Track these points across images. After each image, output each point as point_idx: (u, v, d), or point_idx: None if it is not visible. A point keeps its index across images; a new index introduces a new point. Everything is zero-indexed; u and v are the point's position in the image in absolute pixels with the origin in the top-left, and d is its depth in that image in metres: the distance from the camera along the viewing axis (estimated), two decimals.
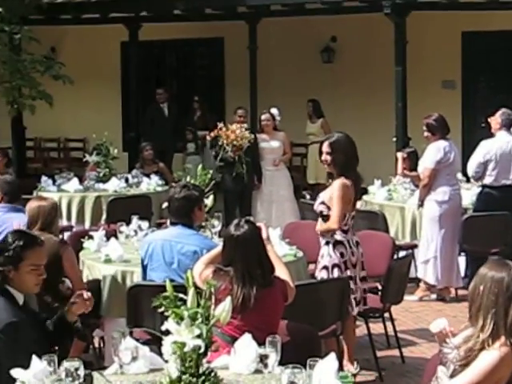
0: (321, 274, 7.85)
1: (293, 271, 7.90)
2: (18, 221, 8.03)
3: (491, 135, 11.02)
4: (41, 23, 16.76)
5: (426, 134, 10.47)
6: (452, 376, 4.97)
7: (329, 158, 7.73)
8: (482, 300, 4.88)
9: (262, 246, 5.91)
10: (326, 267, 7.72)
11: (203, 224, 7.78)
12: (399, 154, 9.91)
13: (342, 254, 7.64)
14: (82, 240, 8.51)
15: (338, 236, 7.68)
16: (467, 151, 12.26)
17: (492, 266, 5.03)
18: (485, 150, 10.24)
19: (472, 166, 10.38)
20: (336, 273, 7.71)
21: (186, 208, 7.44)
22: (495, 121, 10.50)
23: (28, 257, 5.17)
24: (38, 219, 7.61)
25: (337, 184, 7.70)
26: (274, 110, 13.38)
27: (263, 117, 13.35)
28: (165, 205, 7.91)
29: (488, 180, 10.33)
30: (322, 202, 7.70)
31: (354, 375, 5.43)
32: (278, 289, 5.76)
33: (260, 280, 5.56)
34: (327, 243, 7.77)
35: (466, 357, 4.90)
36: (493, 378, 4.76)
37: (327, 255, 7.80)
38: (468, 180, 11.68)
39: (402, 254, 9.61)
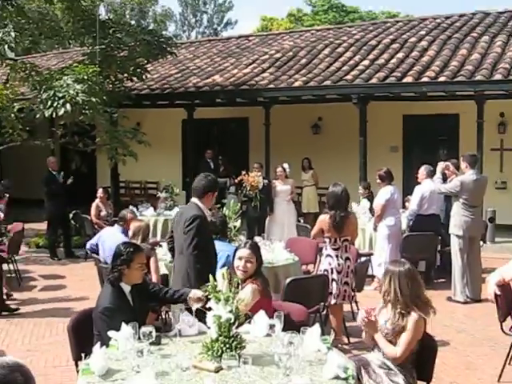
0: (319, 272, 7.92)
1: (291, 269, 8.30)
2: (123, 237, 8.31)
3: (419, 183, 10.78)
4: (130, 107, 16.84)
5: (378, 181, 10.51)
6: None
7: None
8: (390, 286, 5.11)
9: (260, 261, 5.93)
10: (325, 270, 7.67)
11: (234, 238, 7.67)
12: None
13: (329, 263, 7.49)
14: (155, 247, 8.36)
15: (330, 252, 7.69)
16: (406, 193, 12.25)
17: (394, 263, 5.33)
18: (420, 192, 10.31)
19: (415, 203, 10.58)
20: (324, 273, 7.67)
21: (222, 227, 7.68)
22: (421, 173, 10.69)
23: (136, 258, 5.32)
24: (139, 233, 7.94)
25: (319, 218, 8.04)
26: (286, 165, 13.59)
27: (278, 169, 13.54)
28: None
29: (421, 211, 10.26)
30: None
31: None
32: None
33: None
34: (324, 255, 7.80)
35: (393, 328, 5.08)
36: (419, 333, 5.02)
37: (322, 263, 7.91)
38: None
39: (363, 259, 9.49)
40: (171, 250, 6.99)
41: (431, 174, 11.10)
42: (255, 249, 5.83)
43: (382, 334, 5.08)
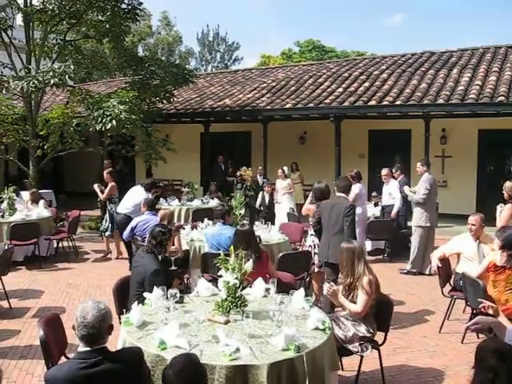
0: (305, 248, 7.96)
1: (283, 246, 8.33)
2: (156, 218, 8.25)
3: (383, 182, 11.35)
4: (161, 123, 16.91)
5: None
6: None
7: (311, 194, 7.74)
8: (347, 258, 5.14)
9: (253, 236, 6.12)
10: (309, 246, 7.64)
11: (239, 222, 7.67)
12: None
13: (313, 241, 7.60)
14: (179, 229, 8.41)
15: (313, 232, 7.56)
16: (371, 189, 12.45)
17: (347, 242, 5.37)
18: (396, 188, 10.95)
19: (398, 194, 10.94)
20: (309, 248, 7.66)
21: (222, 214, 7.60)
22: (385, 173, 11.23)
23: (171, 234, 5.91)
24: (165, 218, 8.00)
25: (307, 206, 7.99)
26: (285, 168, 13.79)
27: (279, 171, 13.83)
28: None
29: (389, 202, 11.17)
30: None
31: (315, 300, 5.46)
32: (264, 259, 5.88)
33: (255, 255, 5.67)
34: (309, 235, 7.74)
35: (348, 289, 5.13)
36: (372, 291, 5.00)
37: (307, 240, 7.93)
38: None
39: None
40: (318, 231, 7.23)
41: (391, 174, 11.19)
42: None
43: (343, 297, 5.13)
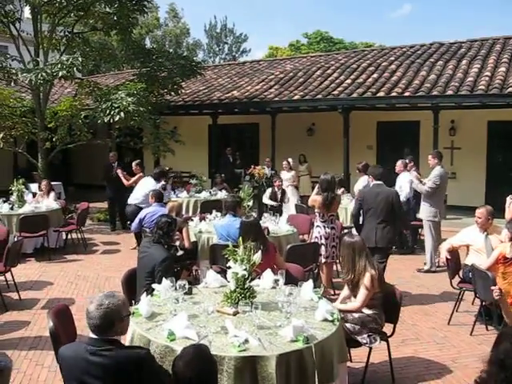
0: (312, 240, 7.81)
1: (291, 238, 8.43)
2: (164, 210, 8.32)
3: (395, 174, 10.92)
4: (169, 114, 16.94)
5: (357, 171, 10.31)
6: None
7: (317, 185, 7.78)
8: (347, 255, 5.12)
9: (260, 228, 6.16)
10: (316, 237, 7.66)
11: (247, 214, 7.65)
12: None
13: (319, 232, 7.59)
14: (188, 221, 8.41)
15: (319, 223, 7.68)
16: None
17: (348, 236, 5.35)
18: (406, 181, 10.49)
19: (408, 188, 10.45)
20: (315, 240, 7.67)
21: (233, 206, 7.45)
22: (399, 166, 10.72)
23: (177, 225, 6.11)
24: (173, 210, 8.14)
25: (313, 197, 7.82)
26: (290, 159, 13.90)
27: (284, 162, 13.91)
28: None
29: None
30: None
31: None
32: (271, 251, 5.88)
33: (263, 246, 5.65)
34: (315, 226, 7.78)
35: (351, 285, 5.12)
36: (373, 288, 4.95)
37: (313, 232, 7.90)
38: None
39: (345, 230, 9.40)
40: (356, 218, 7.68)
41: (405, 166, 10.87)
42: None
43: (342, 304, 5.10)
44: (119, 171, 12.44)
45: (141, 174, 11.99)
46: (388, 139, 16.62)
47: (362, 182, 10.54)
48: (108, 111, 12.84)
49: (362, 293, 4.93)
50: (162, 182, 11.14)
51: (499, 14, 72.71)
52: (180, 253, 6.45)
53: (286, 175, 13.74)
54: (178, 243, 7.22)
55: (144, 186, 10.68)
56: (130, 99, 12.84)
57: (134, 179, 12.03)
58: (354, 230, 9.51)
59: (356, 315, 4.98)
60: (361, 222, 7.74)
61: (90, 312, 3.28)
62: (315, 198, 7.80)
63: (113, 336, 3.30)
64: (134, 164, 12.41)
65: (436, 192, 9.39)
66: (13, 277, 7.90)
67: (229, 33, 46.14)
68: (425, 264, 9.56)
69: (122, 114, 12.69)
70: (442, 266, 8.31)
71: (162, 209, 8.56)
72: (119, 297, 3.42)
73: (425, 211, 9.56)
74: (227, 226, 7.32)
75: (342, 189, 11.90)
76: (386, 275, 5.47)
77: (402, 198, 10.53)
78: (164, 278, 4.71)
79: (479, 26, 69.14)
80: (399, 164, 10.87)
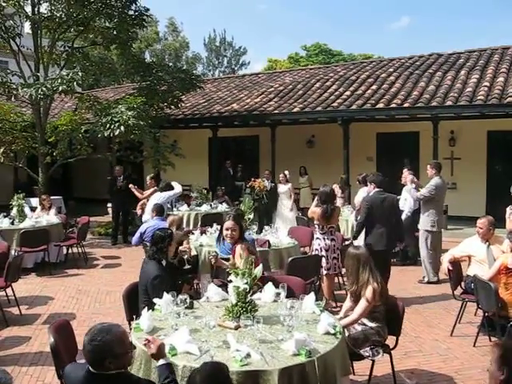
0: (313, 252, 7.90)
1: (292, 251, 8.25)
2: (164, 223, 8.25)
3: (400, 185, 10.57)
4: (169, 128, 17.01)
5: (357, 183, 10.41)
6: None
7: (317, 197, 7.81)
8: (352, 266, 5.09)
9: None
10: (316, 249, 7.77)
11: (248, 227, 7.64)
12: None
13: (319, 244, 7.71)
14: (188, 234, 8.36)
15: (318, 235, 7.80)
16: None
17: (353, 248, 5.31)
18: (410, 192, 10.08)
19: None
20: (316, 252, 7.76)
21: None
22: (405, 177, 10.20)
23: (172, 239, 5.75)
24: (174, 224, 7.96)
25: (312, 209, 7.94)
26: (286, 172, 13.68)
27: (281, 175, 13.84)
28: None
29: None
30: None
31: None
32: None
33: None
34: (314, 238, 7.88)
35: (354, 297, 5.07)
36: (374, 301, 4.90)
37: (313, 244, 8.02)
38: None
39: (346, 242, 9.32)
40: (362, 225, 7.82)
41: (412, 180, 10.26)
42: (237, 219, 5.97)
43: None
44: (131, 185, 12.34)
45: (155, 187, 11.84)
46: (388, 150, 16.63)
47: (362, 193, 10.48)
48: (108, 125, 12.88)
49: (362, 305, 4.89)
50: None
51: (498, 21, 73.13)
52: (187, 266, 6.41)
53: (283, 188, 13.78)
54: (186, 256, 7.23)
55: (154, 201, 10.56)
56: (130, 113, 12.88)
57: (148, 193, 11.90)
58: (356, 242, 9.47)
59: (359, 328, 4.96)
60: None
61: (84, 344, 3.20)
62: (314, 210, 7.87)
63: (107, 371, 3.16)
64: (148, 178, 12.56)
65: (432, 202, 9.33)
66: (13, 292, 7.87)
67: (228, 46, 46.40)
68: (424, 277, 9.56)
69: (122, 127, 12.73)
70: (445, 278, 8.28)
71: (163, 223, 8.50)
72: (116, 332, 3.22)
73: (421, 221, 9.53)
74: None
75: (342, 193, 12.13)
76: (388, 286, 5.42)
77: (406, 210, 10.44)
78: (157, 296, 4.70)
79: (478, 34, 69.45)
80: (406, 174, 10.32)
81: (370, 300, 4.85)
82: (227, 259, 5.45)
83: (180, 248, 7.17)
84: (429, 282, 9.36)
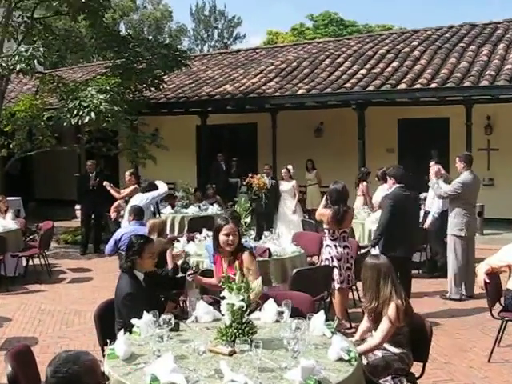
0: (323, 263, 7.88)
1: (298, 261, 8.27)
2: (144, 229, 8.10)
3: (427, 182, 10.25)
4: (149, 114, 16.98)
5: (376, 179, 11.16)
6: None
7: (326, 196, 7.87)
8: (371, 278, 5.05)
9: None
10: (326, 259, 7.68)
11: (244, 232, 7.63)
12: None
13: (329, 252, 7.61)
14: (173, 242, 8.35)
15: (329, 242, 7.70)
16: None
17: (372, 257, 5.29)
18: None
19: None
20: (326, 262, 7.68)
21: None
22: (434, 171, 9.92)
23: (146, 248, 5.50)
24: (155, 229, 7.91)
25: (320, 211, 7.97)
26: (290, 166, 13.68)
27: (283, 170, 13.87)
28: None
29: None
30: None
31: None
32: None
33: None
34: (324, 246, 7.82)
35: (374, 316, 5.02)
36: (398, 322, 4.85)
37: (323, 253, 8.00)
38: None
39: (363, 250, 9.28)
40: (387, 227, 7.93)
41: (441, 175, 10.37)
42: (236, 221, 6.10)
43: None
44: (106, 183, 12.38)
45: (136, 186, 11.86)
46: (412, 140, 16.57)
47: (381, 192, 10.44)
48: (76, 111, 12.89)
49: (385, 326, 4.85)
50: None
51: None
52: (181, 275, 6.36)
53: (286, 186, 13.89)
54: (180, 262, 7.20)
55: (140, 204, 10.46)
56: (101, 97, 12.90)
57: (127, 191, 11.89)
58: (373, 250, 9.36)
59: (379, 354, 4.93)
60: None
61: (46, 376, 3.15)
62: (323, 212, 7.81)
63: None
64: (127, 174, 12.33)
65: (460, 201, 9.27)
66: None
67: (219, 16, 46.52)
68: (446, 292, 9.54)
69: (92, 114, 12.76)
70: (481, 292, 8.29)
71: (142, 228, 8.46)
72: (84, 361, 3.14)
73: (448, 224, 9.46)
74: None
75: (365, 183, 12.26)
76: (412, 304, 5.42)
77: (433, 211, 10.54)
78: (130, 318, 4.68)
79: None
80: (436, 168, 9.93)
81: (393, 320, 4.81)
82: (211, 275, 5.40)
83: (173, 252, 7.18)
84: (451, 299, 9.31)
